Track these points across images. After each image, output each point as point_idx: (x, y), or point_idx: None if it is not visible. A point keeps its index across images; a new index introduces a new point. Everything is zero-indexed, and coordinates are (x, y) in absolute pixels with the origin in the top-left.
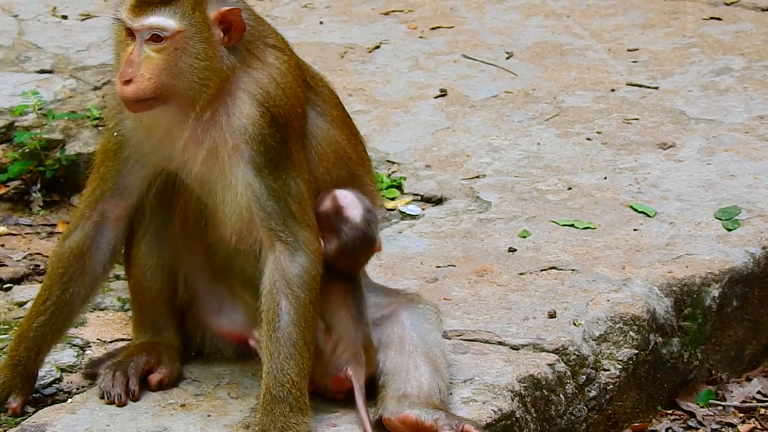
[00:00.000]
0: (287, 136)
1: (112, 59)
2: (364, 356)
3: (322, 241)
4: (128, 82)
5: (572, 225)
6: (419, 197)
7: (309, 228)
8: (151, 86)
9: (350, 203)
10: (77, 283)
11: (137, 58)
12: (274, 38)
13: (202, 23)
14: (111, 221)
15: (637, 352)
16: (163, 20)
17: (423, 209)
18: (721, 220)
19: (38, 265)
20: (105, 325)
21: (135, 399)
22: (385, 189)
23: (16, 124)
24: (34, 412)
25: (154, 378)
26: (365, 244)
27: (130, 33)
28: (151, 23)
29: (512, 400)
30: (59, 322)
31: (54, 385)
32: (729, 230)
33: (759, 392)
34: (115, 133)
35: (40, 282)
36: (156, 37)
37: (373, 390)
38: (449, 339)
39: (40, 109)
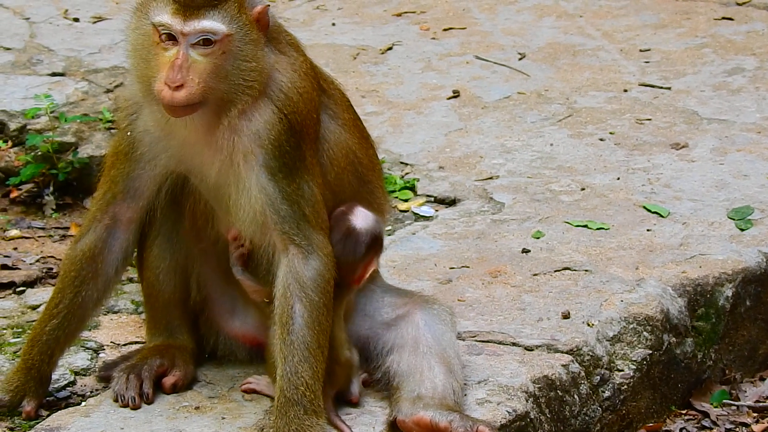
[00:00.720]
0: (302, 141)
1: (127, 62)
2: (335, 371)
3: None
4: (179, 87)
5: (585, 226)
6: (432, 198)
7: (322, 231)
8: (201, 91)
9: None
10: (90, 286)
11: (185, 62)
12: (288, 36)
13: (248, 25)
14: (123, 224)
15: (650, 352)
16: (214, 24)
17: (436, 210)
18: (734, 220)
19: (51, 268)
20: (118, 328)
21: (149, 402)
22: (399, 190)
23: (29, 127)
24: (48, 416)
25: (168, 381)
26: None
27: (170, 37)
28: (203, 27)
29: (526, 400)
30: (72, 325)
31: (68, 388)
32: (742, 230)
33: None
34: (129, 134)
35: (53, 285)
36: (205, 41)
37: (388, 392)
38: (463, 340)
39: (52, 112)
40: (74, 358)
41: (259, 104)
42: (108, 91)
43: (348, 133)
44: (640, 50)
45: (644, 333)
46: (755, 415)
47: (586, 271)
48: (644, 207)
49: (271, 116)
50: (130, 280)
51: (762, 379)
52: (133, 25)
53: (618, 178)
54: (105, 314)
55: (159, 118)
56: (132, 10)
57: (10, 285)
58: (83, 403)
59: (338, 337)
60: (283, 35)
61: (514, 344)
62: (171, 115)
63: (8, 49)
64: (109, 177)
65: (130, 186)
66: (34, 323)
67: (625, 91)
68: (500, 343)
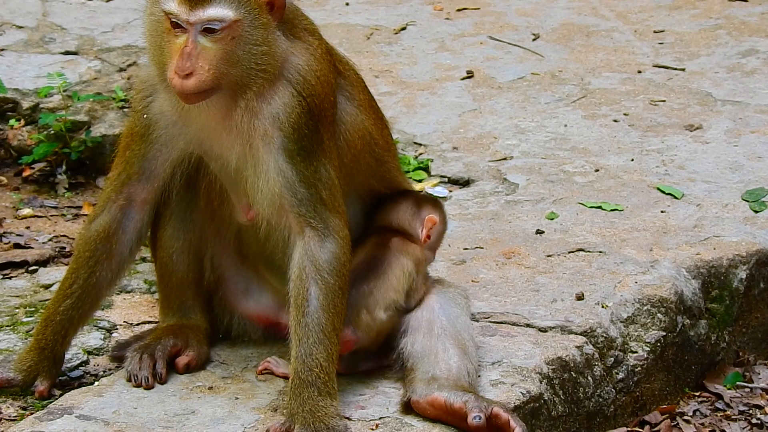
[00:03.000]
0: (320, 124)
1: (142, 43)
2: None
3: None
4: (188, 75)
5: (599, 207)
6: (446, 179)
7: (339, 215)
8: (212, 77)
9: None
10: (104, 266)
11: (194, 50)
12: (305, 20)
13: (257, 9)
14: (137, 204)
15: (664, 334)
16: (220, 11)
17: (450, 191)
18: (748, 201)
19: (64, 248)
20: (132, 308)
21: (162, 382)
22: (412, 171)
23: (41, 105)
24: (61, 395)
25: (182, 361)
26: None
27: (179, 25)
28: (209, 15)
29: (540, 382)
30: (86, 305)
31: (81, 368)
32: (756, 212)
33: None
34: (144, 116)
35: (66, 264)
36: (212, 28)
37: (402, 373)
38: (477, 321)
39: (65, 91)
40: (87, 338)
41: (278, 87)
42: (121, 70)
43: (364, 114)
44: (654, 31)
45: (658, 315)
46: None
47: (600, 252)
48: (658, 188)
49: (290, 99)
50: (143, 259)
51: None
52: (147, 10)
53: (632, 160)
54: (118, 294)
55: (175, 104)
56: None
57: (23, 264)
58: (96, 383)
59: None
60: (299, 19)
61: (528, 325)
62: (184, 102)
63: (21, 27)
64: (124, 158)
65: (145, 167)
66: (47, 303)
67: (639, 72)
68: (514, 324)
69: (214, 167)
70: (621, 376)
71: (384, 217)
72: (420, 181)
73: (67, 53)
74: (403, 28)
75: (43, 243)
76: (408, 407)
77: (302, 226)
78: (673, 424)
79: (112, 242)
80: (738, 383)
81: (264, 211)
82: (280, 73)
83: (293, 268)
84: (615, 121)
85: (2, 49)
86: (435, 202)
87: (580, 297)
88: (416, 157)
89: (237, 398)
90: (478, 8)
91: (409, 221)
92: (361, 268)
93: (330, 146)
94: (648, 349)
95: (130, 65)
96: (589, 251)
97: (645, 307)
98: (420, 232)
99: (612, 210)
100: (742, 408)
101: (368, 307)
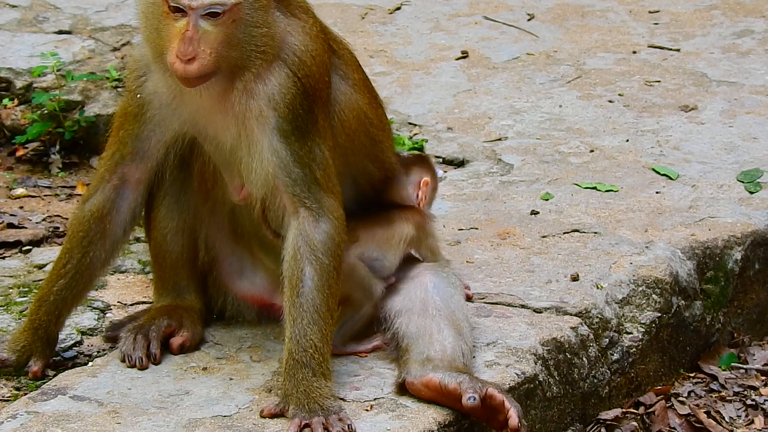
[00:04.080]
0: (315, 105)
1: (136, 23)
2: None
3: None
4: (191, 60)
5: (594, 187)
6: (441, 159)
7: (333, 195)
8: (213, 61)
9: None
10: (98, 246)
11: (195, 34)
12: (299, 0)
13: None
14: (131, 184)
15: (659, 315)
16: None
17: (445, 172)
18: (743, 182)
19: (57, 227)
20: (126, 288)
21: (156, 362)
22: (407, 151)
23: (35, 85)
24: (55, 376)
25: (176, 341)
26: None
27: (178, 8)
28: (211, 0)
29: (535, 363)
30: (80, 285)
31: (74, 348)
32: (751, 193)
33: None
34: (138, 95)
35: (60, 244)
36: (214, 12)
37: (397, 354)
38: (472, 302)
39: (58, 71)
40: (81, 318)
41: (273, 68)
42: (115, 49)
43: (359, 94)
44: (649, 12)
45: (653, 296)
46: (763, 378)
47: (595, 233)
48: (653, 169)
49: (285, 79)
50: (137, 239)
51: None
52: None
53: (627, 140)
54: (112, 274)
55: (170, 84)
56: None
57: (17, 244)
58: (90, 363)
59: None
60: None
61: (522, 306)
62: (185, 86)
63: (14, 6)
64: (117, 137)
65: (139, 147)
66: (41, 283)
67: (634, 52)
68: (509, 305)
69: (208, 148)
70: (616, 357)
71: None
72: None
73: (60, 32)
74: (398, 8)
75: (37, 223)
76: (402, 388)
77: (296, 206)
78: (667, 405)
79: (105, 222)
80: (733, 364)
81: (258, 192)
82: (276, 54)
83: (288, 248)
84: (610, 101)
85: None
86: (422, 160)
87: (575, 278)
88: (411, 138)
89: (231, 379)
90: None
91: (400, 192)
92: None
93: (324, 126)
94: (643, 330)
95: (124, 44)
96: (584, 232)
97: (640, 288)
98: (415, 197)
99: (607, 191)
100: (736, 389)
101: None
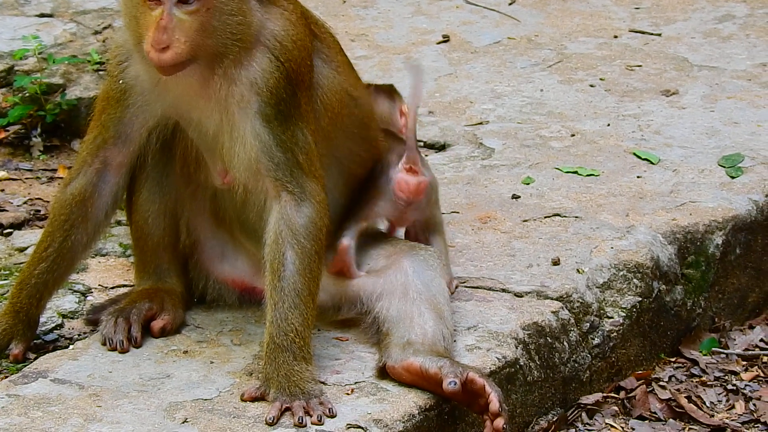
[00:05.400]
0: (297, 89)
1: (118, 6)
2: None
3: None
4: (165, 49)
5: (576, 172)
6: (422, 143)
7: (315, 179)
8: (188, 49)
9: None
10: (79, 229)
11: (169, 23)
12: None
13: None
14: (113, 168)
15: (640, 299)
16: None
17: (426, 155)
18: (724, 167)
19: (39, 210)
20: (107, 271)
21: (137, 345)
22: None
23: (16, 68)
24: (36, 359)
25: (157, 324)
26: None
27: None
28: None
29: (516, 347)
30: (61, 268)
31: (55, 331)
32: (732, 178)
33: (762, 340)
34: (120, 81)
35: (41, 227)
36: (187, 1)
37: (377, 338)
38: (452, 293)
39: (40, 53)
40: (62, 301)
41: (255, 53)
42: (96, 32)
43: (342, 77)
44: None
45: (634, 280)
46: (744, 363)
47: (576, 217)
48: (634, 154)
49: (267, 64)
50: (119, 222)
51: (751, 327)
52: None
53: (608, 125)
54: (93, 257)
55: (150, 71)
56: None
57: None
58: (71, 347)
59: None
60: None
61: (503, 290)
62: (162, 74)
63: None
64: (99, 121)
65: (121, 131)
66: (22, 266)
67: (616, 37)
68: (490, 289)
69: (191, 132)
70: (597, 341)
71: None
72: None
73: (42, 15)
74: None
75: (18, 206)
76: (383, 372)
77: (279, 190)
78: (648, 389)
79: (87, 206)
80: (714, 349)
81: (240, 176)
82: (257, 40)
83: (269, 232)
84: (591, 86)
85: None
86: (391, 89)
87: (556, 262)
88: None
89: (212, 362)
90: None
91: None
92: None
93: (307, 110)
94: (624, 314)
95: (105, 28)
96: (565, 216)
97: (621, 273)
98: (401, 123)
99: (588, 175)
100: (717, 374)
101: None
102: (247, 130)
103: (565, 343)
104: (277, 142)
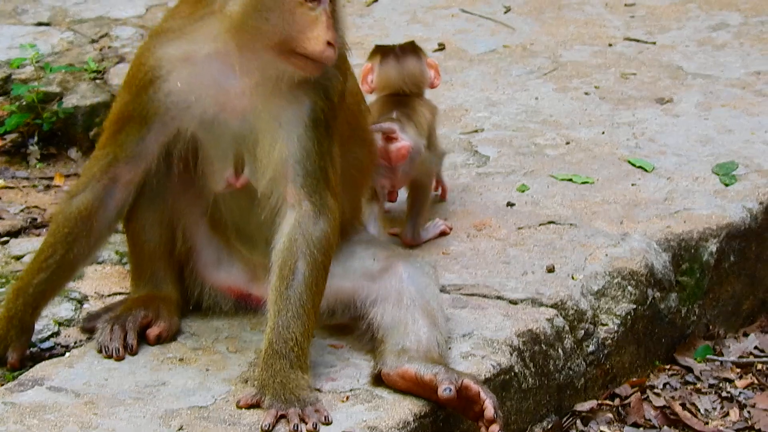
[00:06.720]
0: (341, 99)
1: (117, 14)
2: None
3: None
4: (331, 45)
5: (570, 179)
6: None
7: (335, 196)
8: (340, 45)
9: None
10: (82, 243)
11: (333, 20)
12: None
13: None
14: (121, 184)
15: (635, 307)
16: None
17: None
18: (718, 175)
19: (35, 218)
20: (103, 279)
21: (133, 353)
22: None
23: (14, 76)
24: (31, 366)
25: (153, 332)
26: None
27: None
28: None
29: (511, 354)
30: (60, 279)
31: (51, 339)
32: (726, 185)
33: (756, 347)
34: (154, 92)
35: (37, 235)
36: None
37: (372, 344)
38: (448, 293)
39: (37, 62)
40: (58, 309)
41: None
42: (93, 41)
43: (348, 83)
44: (625, 4)
45: (629, 287)
46: (739, 370)
47: (570, 225)
48: (629, 161)
49: (332, 69)
50: (115, 230)
51: (745, 335)
52: None
53: (603, 132)
54: (89, 265)
55: (197, 76)
56: None
57: None
58: (67, 354)
59: None
60: None
61: (498, 298)
62: (316, 72)
63: None
64: (115, 140)
65: (137, 150)
66: (19, 274)
67: (610, 45)
68: (485, 296)
69: (204, 136)
70: (591, 348)
71: None
72: None
73: (39, 24)
74: (375, 0)
75: (15, 214)
76: (378, 379)
77: (300, 198)
78: (643, 397)
79: (92, 220)
80: (708, 356)
81: (262, 179)
82: None
83: (282, 238)
84: (586, 93)
85: None
86: (413, 46)
87: (550, 269)
88: None
89: (208, 370)
90: None
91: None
92: None
93: (336, 125)
94: (618, 321)
95: (102, 36)
96: (559, 224)
97: (615, 280)
98: (431, 77)
99: (583, 183)
100: (712, 381)
101: None
102: (291, 131)
103: (559, 351)
104: (316, 151)
